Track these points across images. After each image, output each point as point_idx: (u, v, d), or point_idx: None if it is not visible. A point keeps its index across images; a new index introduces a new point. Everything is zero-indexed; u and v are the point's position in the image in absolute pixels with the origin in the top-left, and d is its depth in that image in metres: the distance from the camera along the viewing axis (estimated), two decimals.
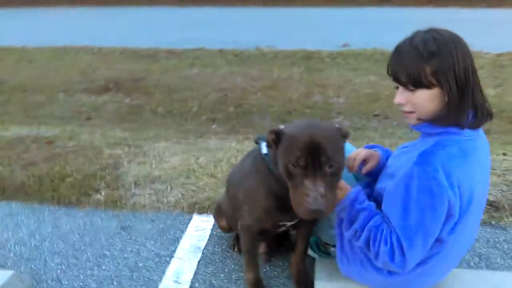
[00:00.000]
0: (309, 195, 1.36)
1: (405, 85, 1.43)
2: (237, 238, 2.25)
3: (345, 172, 1.64)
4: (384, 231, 1.45)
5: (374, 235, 1.47)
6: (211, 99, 5.81)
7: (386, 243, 1.44)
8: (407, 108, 1.47)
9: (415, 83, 1.40)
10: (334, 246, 2.04)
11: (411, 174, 1.39)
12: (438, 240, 1.45)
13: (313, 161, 1.37)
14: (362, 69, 6.71)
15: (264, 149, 1.66)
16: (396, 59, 1.45)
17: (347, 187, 1.58)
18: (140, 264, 2.16)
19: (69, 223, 2.49)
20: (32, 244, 2.32)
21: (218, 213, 2.19)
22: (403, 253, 1.41)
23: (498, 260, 2.13)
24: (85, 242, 2.33)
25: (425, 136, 1.53)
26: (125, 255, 2.23)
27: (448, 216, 1.39)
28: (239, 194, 1.80)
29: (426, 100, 1.42)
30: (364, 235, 1.50)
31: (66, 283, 2.04)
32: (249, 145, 3.59)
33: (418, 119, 1.48)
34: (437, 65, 1.37)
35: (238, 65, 7.11)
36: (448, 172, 1.34)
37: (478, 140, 1.47)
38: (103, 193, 2.71)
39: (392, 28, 9.77)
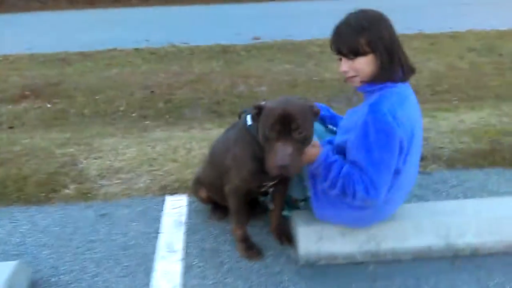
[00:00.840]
0: (278, 153, 1.68)
1: (346, 56, 1.86)
2: (213, 208, 2.51)
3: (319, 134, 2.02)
4: (356, 175, 1.82)
5: (347, 180, 1.83)
6: (138, 97, 5.86)
7: (359, 183, 1.80)
8: (350, 74, 1.90)
9: (354, 52, 1.83)
10: (302, 200, 2.40)
11: (367, 122, 1.79)
12: (396, 171, 1.85)
13: (284, 128, 1.70)
14: (277, 59, 7.16)
15: (249, 121, 1.95)
16: (336, 37, 1.87)
17: (321, 148, 1.93)
18: (130, 243, 2.32)
19: (45, 218, 2.54)
20: (14, 241, 2.35)
21: (197, 186, 2.43)
22: (375, 187, 1.79)
23: (430, 198, 2.63)
24: (67, 232, 2.42)
25: (368, 95, 1.95)
26: (112, 238, 2.37)
27: (401, 149, 1.80)
28: (227, 160, 2.06)
29: (365, 64, 1.84)
30: (339, 182, 1.85)
31: (64, 268, 2.15)
32: (195, 133, 3.82)
33: (361, 81, 1.90)
34: (369, 36, 1.80)
35: (157, 63, 7.18)
36: (394, 114, 1.75)
37: (408, 89, 1.92)
38: (71, 187, 2.78)
39: (296, 21, 10.51)
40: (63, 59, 7.40)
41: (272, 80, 6.22)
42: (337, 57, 1.94)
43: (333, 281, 2.04)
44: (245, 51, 7.66)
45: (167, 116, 5.24)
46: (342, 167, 1.86)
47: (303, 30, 8.90)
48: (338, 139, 2.03)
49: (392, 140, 1.75)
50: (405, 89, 1.89)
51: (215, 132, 3.78)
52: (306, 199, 2.44)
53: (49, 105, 5.69)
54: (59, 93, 6.02)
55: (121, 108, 5.55)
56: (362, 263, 2.15)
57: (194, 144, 3.34)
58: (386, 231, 2.16)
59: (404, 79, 1.89)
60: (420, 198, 2.61)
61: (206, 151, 3.19)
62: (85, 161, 3.10)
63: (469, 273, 2.07)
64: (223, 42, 8.07)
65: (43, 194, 2.73)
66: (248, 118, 1.97)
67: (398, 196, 2.02)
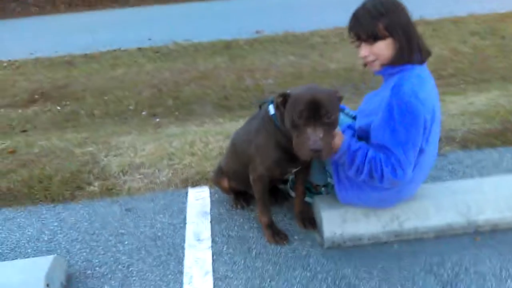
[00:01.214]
0: (310, 138, 1.75)
1: (366, 41, 1.91)
2: (236, 197, 2.57)
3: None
4: (382, 157, 1.87)
5: (374, 164, 1.88)
6: (146, 95, 5.92)
7: (387, 165, 1.86)
8: (370, 58, 1.96)
9: (373, 37, 1.88)
10: (323, 186, 2.46)
11: (391, 103, 1.84)
12: (420, 151, 1.91)
13: (314, 113, 1.77)
14: (280, 51, 7.20)
15: (272, 111, 2.01)
16: (355, 23, 1.93)
17: (343, 136, 1.98)
18: (159, 234, 2.39)
19: (72, 215, 2.61)
20: (45, 238, 2.42)
21: (219, 176, 2.49)
22: (402, 167, 1.84)
23: (447, 178, 2.69)
24: (96, 227, 2.49)
25: (388, 78, 2.00)
26: (141, 230, 2.44)
27: (424, 128, 1.86)
28: (250, 150, 2.12)
29: (384, 48, 1.90)
30: (366, 168, 1.91)
31: (97, 261, 2.22)
32: (209, 127, 3.88)
33: (381, 65, 1.96)
34: (386, 21, 1.86)
35: (161, 61, 7.23)
36: (416, 95, 1.81)
37: (426, 71, 1.98)
38: (96, 184, 2.85)
39: (296, 13, 10.52)
40: (68, 62, 7.45)
41: (278, 73, 6.27)
42: (354, 44, 1.99)
43: (360, 261, 2.10)
44: (248, 45, 7.70)
45: (177, 113, 5.30)
46: (367, 153, 1.91)
47: (304, 22, 8.92)
48: (359, 122, 2.08)
49: (416, 120, 1.81)
50: (423, 71, 1.95)
51: (227, 125, 3.84)
52: (326, 185, 2.51)
53: (59, 108, 5.76)
54: (67, 95, 6.09)
55: (131, 107, 5.61)
56: (386, 243, 2.21)
57: (210, 137, 3.39)
58: (408, 211, 2.22)
59: (421, 61, 1.95)
60: (437, 179, 2.67)
61: (222, 143, 3.26)
62: (105, 159, 3.17)
63: (490, 248, 2.13)
64: (225, 37, 8.10)
65: (69, 192, 2.80)
66: (271, 107, 2.03)
67: (420, 176, 2.08)
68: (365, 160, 1.90)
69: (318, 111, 1.74)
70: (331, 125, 1.80)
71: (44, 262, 1.97)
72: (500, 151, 2.96)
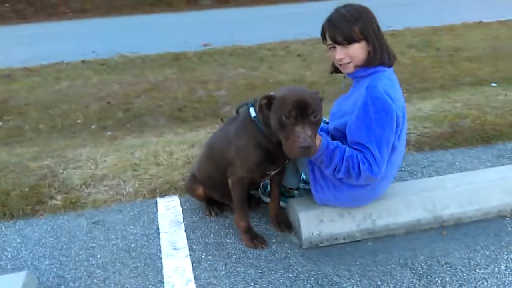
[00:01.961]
0: (300, 136, 1.80)
1: (341, 43, 2.02)
2: (209, 205, 2.55)
3: None
4: (358, 156, 1.96)
5: (351, 162, 1.96)
6: (94, 108, 5.73)
7: (363, 163, 1.94)
8: (346, 60, 2.07)
9: (349, 40, 2.00)
10: (297, 189, 2.51)
11: (366, 102, 1.94)
12: (392, 148, 2.02)
13: (302, 113, 1.82)
14: (230, 63, 7.26)
15: (253, 113, 2.03)
16: (331, 27, 2.04)
17: (320, 136, 2.04)
18: (132, 245, 2.32)
19: (35, 231, 2.47)
20: (9, 256, 2.27)
21: (193, 183, 2.47)
22: (377, 163, 1.93)
23: (409, 178, 2.83)
24: (64, 242, 2.37)
25: (359, 81, 2.11)
26: (113, 242, 2.35)
27: (396, 125, 1.97)
28: (229, 153, 2.13)
29: (358, 50, 2.02)
30: (343, 166, 1.98)
31: (70, 276, 2.11)
32: (169, 137, 3.83)
33: (354, 66, 2.07)
34: (361, 25, 1.99)
35: (108, 73, 7.04)
36: (389, 94, 1.93)
37: (394, 74, 2.11)
38: (58, 198, 2.71)
39: (242, 27, 10.67)
40: (7, 76, 7.07)
41: (229, 84, 6.31)
42: (328, 47, 2.08)
43: (338, 259, 2.16)
44: (196, 58, 7.70)
45: (129, 125, 5.16)
46: (344, 151, 1.98)
47: (250, 35, 9.07)
48: (333, 124, 2.16)
49: (390, 118, 1.91)
50: (392, 74, 2.08)
51: (189, 135, 3.81)
52: (299, 188, 2.56)
53: (0, 123, 5.43)
54: (9, 110, 5.76)
55: (79, 121, 5.40)
56: (360, 240, 2.29)
57: (173, 147, 3.35)
58: (380, 209, 2.31)
59: (390, 65, 2.07)
60: (399, 179, 2.80)
61: (187, 152, 3.23)
62: (65, 172, 3.03)
63: (457, 241, 2.26)
64: (173, 50, 8.05)
65: (29, 207, 2.64)
66: (251, 110, 2.05)
67: (392, 173, 2.19)
68: (342, 159, 1.97)
69: (306, 110, 1.79)
70: (317, 124, 1.86)
71: (16, 279, 1.85)
72: (452, 153, 3.17)
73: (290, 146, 1.82)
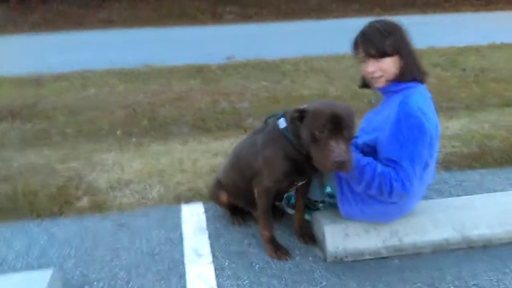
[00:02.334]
0: (335, 151, 1.79)
1: (374, 57, 2.02)
2: (233, 213, 2.55)
3: None
4: (391, 173, 1.93)
5: (384, 178, 1.94)
6: (120, 115, 5.80)
7: (396, 180, 1.92)
8: (377, 74, 2.06)
9: (382, 54, 2.00)
10: (321, 202, 2.50)
11: (398, 119, 1.93)
12: (425, 165, 1.99)
13: (336, 127, 1.81)
14: (253, 76, 7.30)
15: (282, 124, 2.04)
16: (365, 40, 2.04)
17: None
18: (157, 249, 2.33)
19: (62, 231, 2.50)
20: (35, 254, 2.30)
21: (218, 189, 2.47)
22: (410, 181, 1.91)
23: (436, 197, 2.78)
24: (89, 242, 2.39)
25: (391, 96, 2.10)
26: (137, 245, 2.36)
27: (430, 143, 1.94)
28: (257, 163, 2.13)
29: (391, 65, 2.02)
30: (375, 182, 1.96)
31: (94, 276, 2.13)
32: (194, 146, 3.85)
33: (386, 81, 2.05)
34: (394, 39, 2.00)
35: (134, 82, 7.15)
36: (422, 111, 1.92)
37: (426, 90, 2.09)
38: (85, 200, 2.75)
39: (266, 42, 10.76)
40: (36, 81, 7.24)
41: (252, 97, 6.33)
42: (360, 60, 2.09)
43: (363, 275, 2.12)
44: (220, 70, 7.77)
45: (153, 133, 5.21)
46: (376, 167, 1.96)
47: (273, 50, 9.13)
48: (363, 139, 2.15)
49: (423, 134, 1.89)
50: (424, 90, 2.06)
51: (213, 144, 3.83)
52: (324, 201, 2.54)
53: (28, 126, 5.54)
54: (37, 114, 5.88)
55: (104, 127, 5.46)
56: (386, 257, 2.25)
57: (198, 155, 3.37)
58: (407, 226, 2.28)
59: (423, 81, 2.06)
60: (426, 197, 2.75)
61: (212, 161, 3.25)
62: (91, 175, 3.07)
63: (485, 263, 2.21)
64: (196, 62, 8.14)
65: (56, 207, 2.68)
66: (280, 121, 2.06)
67: (421, 190, 2.16)
68: (374, 175, 1.95)
69: (340, 124, 1.80)
70: (350, 139, 1.86)
71: (42, 276, 1.87)
72: (480, 173, 3.11)
73: (324, 160, 1.81)
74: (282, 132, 2.05)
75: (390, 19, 2.12)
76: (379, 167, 1.96)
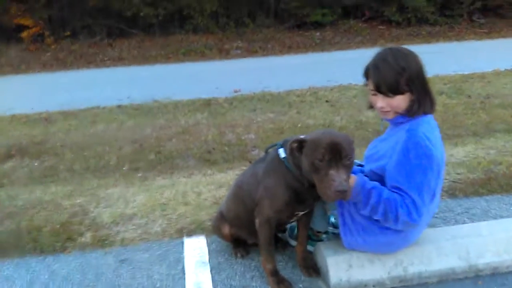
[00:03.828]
0: (335, 180, 1.79)
1: (385, 94, 1.97)
2: (235, 246, 2.53)
3: None
4: (397, 199, 1.90)
5: (389, 205, 1.90)
6: (127, 151, 5.86)
7: (402, 207, 1.89)
8: (386, 109, 2.03)
9: (394, 91, 1.95)
10: (325, 233, 2.47)
11: (407, 147, 1.91)
12: (432, 194, 1.96)
13: (335, 156, 1.82)
14: (259, 109, 7.37)
15: (282, 154, 2.05)
16: (377, 75, 1.98)
17: (354, 176, 2.02)
18: (158, 285, 2.31)
19: (63, 267, 2.49)
20: None
21: (220, 222, 2.46)
22: (417, 210, 1.88)
23: (442, 225, 2.74)
24: (90, 279, 2.38)
25: (398, 125, 2.07)
26: (138, 281, 2.34)
27: (437, 172, 1.92)
28: (258, 193, 2.13)
29: (401, 102, 1.98)
30: (381, 207, 1.93)
31: None
32: (198, 178, 3.86)
33: (395, 113, 2.04)
34: (408, 76, 1.94)
35: (142, 118, 7.25)
36: (430, 139, 1.89)
37: (433, 119, 2.07)
38: (88, 235, 2.75)
39: (270, 74, 10.90)
40: (45, 119, 7.38)
41: (258, 128, 6.37)
42: (369, 91, 2.06)
43: None
44: (227, 103, 7.85)
45: (159, 167, 5.24)
46: (382, 192, 1.94)
47: (279, 82, 9.24)
48: (370, 166, 2.14)
49: (431, 163, 1.88)
50: (432, 119, 2.05)
51: (218, 176, 3.84)
52: (327, 232, 2.52)
53: (36, 164, 5.61)
54: (45, 151, 5.96)
55: (111, 163, 5.52)
56: None
57: (201, 187, 3.38)
58: (411, 256, 2.23)
59: (432, 111, 2.05)
60: (432, 226, 2.71)
61: (215, 193, 3.25)
62: (95, 210, 3.09)
63: None
64: (204, 96, 8.25)
65: (59, 244, 2.69)
66: (281, 151, 2.07)
67: (427, 219, 2.13)
68: (380, 200, 1.92)
69: (340, 153, 1.80)
70: (350, 167, 1.86)
71: None
72: (486, 199, 3.06)
73: (325, 190, 1.81)
74: (282, 161, 2.05)
75: (405, 48, 2.04)
76: (385, 193, 1.93)
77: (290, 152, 1.97)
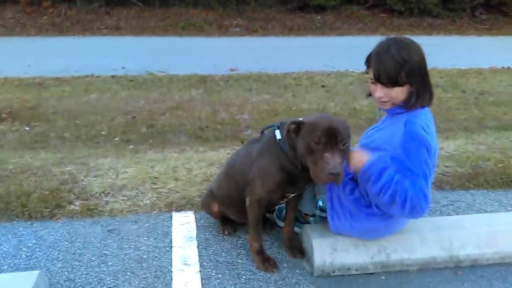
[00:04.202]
0: (329, 163, 1.81)
1: (384, 84, 1.98)
2: (223, 223, 2.56)
3: None
4: (409, 184, 1.88)
5: (400, 188, 1.88)
6: (119, 122, 5.84)
7: (413, 193, 1.87)
8: (384, 99, 2.04)
9: (393, 83, 1.96)
10: (312, 216, 2.51)
11: (406, 139, 1.93)
12: None
13: (331, 140, 1.84)
14: (254, 89, 7.35)
15: (278, 136, 2.06)
16: (379, 66, 1.98)
17: (368, 152, 2.03)
18: (144, 256, 2.33)
19: (51, 234, 2.51)
20: (23, 256, 2.31)
21: (210, 199, 2.48)
22: (426, 197, 1.89)
23: (426, 216, 2.78)
24: (78, 247, 2.40)
25: (395, 115, 2.09)
26: (125, 251, 2.37)
27: (433, 162, 1.95)
28: (251, 172, 2.15)
29: (400, 93, 2.00)
30: (391, 189, 1.90)
31: (80, 281, 2.13)
32: (190, 154, 3.87)
33: (392, 104, 2.05)
34: (409, 69, 1.94)
35: (136, 89, 7.20)
36: (426, 131, 1.91)
37: (429, 112, 2.09)
38: (77, 204, 2.76)
39: (269, 55, 10.83)
40: (39, 84, 7.30)
41: (253, 109, 6.37)
42: (369, 79, 2.06)
43: None
44: (223, 81, 7.82)
45: (151, 141, 5.24)
46: (394, 175, 1.92)
47: (277, 64, 9.19)
48: None
49: (429, 153, 1.91)
50: (428, 112, 2.06)
51: (210, 154, 3.85)
52: (315, 215, 2.55)
53: (26, 128, 5.58)
54: (37, 116, 5.93)
55: (103, 133, 5.51)
56: (373, 273, 2.25)
57: (193, 164, 3.39)
58: (395, 243, 2.28)
59: (430, 104, 2.06)
60: None
61: (206, 170, 3.26)
62: (86, 179, 3.09)
63: (472, 283, 2.21)
64: (200, 72, 8.20)
65: (48, 210, 2.69)
66: (277, 132, 2.08)
67: None
68: (391, 181, 1.91)
69: (336, 137, 1.82)
70: (345, 152, 1.88)
71: (28, 278, 1.88)
72: (472, 194, 3.12)
73: (318, 172, 1.83)
74: (278, 143, 2.07)
75: (410, 39, 2.04)
76: (398, 176, 1.91)
77: (287, 133, 1.98)
